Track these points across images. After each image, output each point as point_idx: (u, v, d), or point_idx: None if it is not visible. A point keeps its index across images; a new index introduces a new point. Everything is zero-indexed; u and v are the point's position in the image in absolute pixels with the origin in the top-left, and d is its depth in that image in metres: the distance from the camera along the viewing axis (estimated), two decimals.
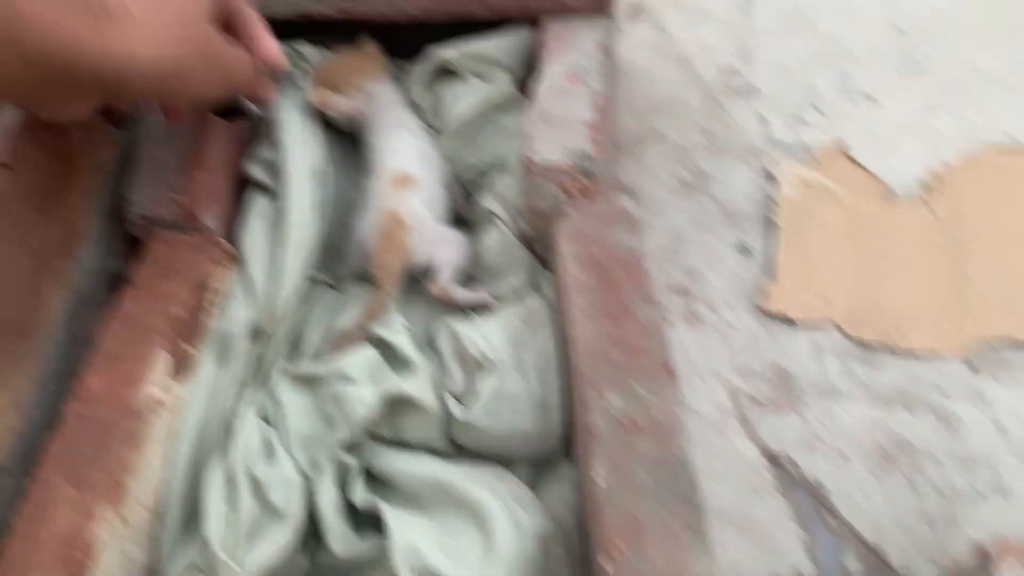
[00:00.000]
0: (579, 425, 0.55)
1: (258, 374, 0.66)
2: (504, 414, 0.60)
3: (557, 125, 0.67)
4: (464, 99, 0.77)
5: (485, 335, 0.62)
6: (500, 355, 0.61)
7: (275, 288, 0.67)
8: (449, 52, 0.77)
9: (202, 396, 0.62)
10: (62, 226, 0.63)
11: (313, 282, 0.72)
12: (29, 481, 0.54)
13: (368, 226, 0.69)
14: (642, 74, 0.95)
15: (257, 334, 0.67)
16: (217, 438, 0.62)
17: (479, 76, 0.77)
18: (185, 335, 0.61)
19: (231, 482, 0.58)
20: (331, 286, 0.74)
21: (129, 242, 0.70)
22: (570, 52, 0.72)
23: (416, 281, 0.71)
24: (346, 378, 0.62)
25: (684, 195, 0.85)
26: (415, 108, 0.79)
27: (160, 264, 0.63)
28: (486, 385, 0.59)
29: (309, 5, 0.75)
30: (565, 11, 0.74)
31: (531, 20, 0.77)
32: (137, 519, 0.55)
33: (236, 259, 0.68)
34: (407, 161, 0.71)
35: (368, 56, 0.78)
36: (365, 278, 0.74)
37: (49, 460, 0.54)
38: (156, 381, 0.57)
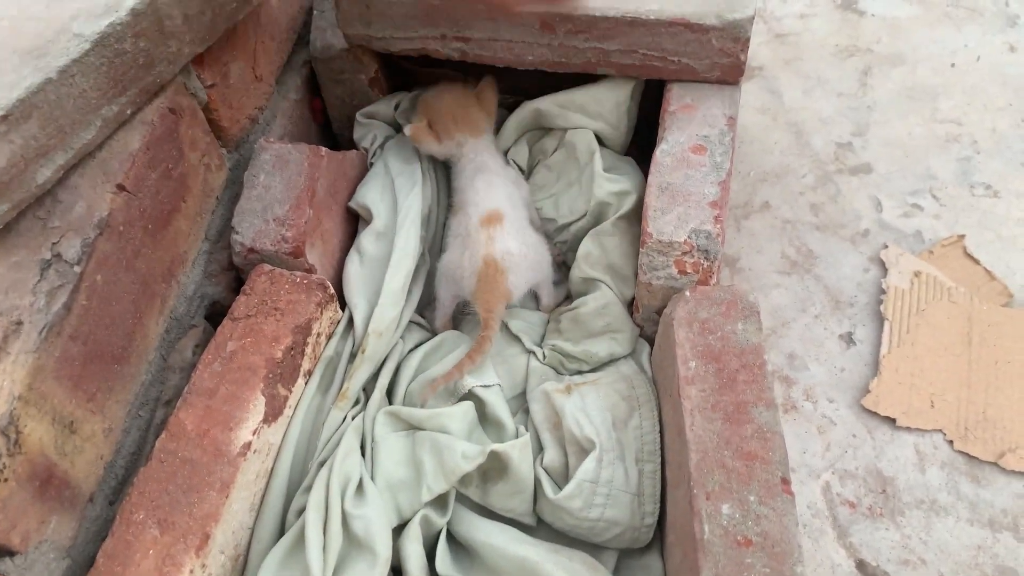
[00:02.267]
0: (685, 529, 0.52)
1: (360, 400, 0.66)
2: (598, 500, 0.57)
3: (680, 199, 0.64)
4: (550, 150, 0.77)
5: (587, 413, 0.60)
6: (601, 437, 0.59)
7: (380, 312, 0.66)
8: (544, 103, 0.76)
9: (302, 420, 0.61)
10: (169, 250, 0.63)
11: (411, 323, 0.72)
12: (115, 515, 0.53)
13: (464, 270, 0.69)
14: (753, 139, 0.92)
15: (354, 354, 0.66)
16: (316, 457, 0.61)
17: (572, 127, 0.76)
18: (283, 378, 0.59)
19: (328, 509, 0.56)
20: (426, 328, 0.73)
21: (228, 269, 0.70)
22: (696, 121, 0.69)
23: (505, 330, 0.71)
24: (445, 429, 0.60)
25: (789, 274, 0.81)
26: (506, 156, 0.79)
27: (263, 301, 0.62)
28: (584, 469, 0.57)
29: (430, 44, 0.73)
30: (693, 77, 0.71)
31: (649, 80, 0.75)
32: (217, 567, 0.54)
33: (335, 298, 0.66)
34: (494, 199, 0.72)
35: (480, 103, 0.77)
36: (455, 322, 0.74)
37: (136, 496, 0.53)
38: (251, 426, 0.56)
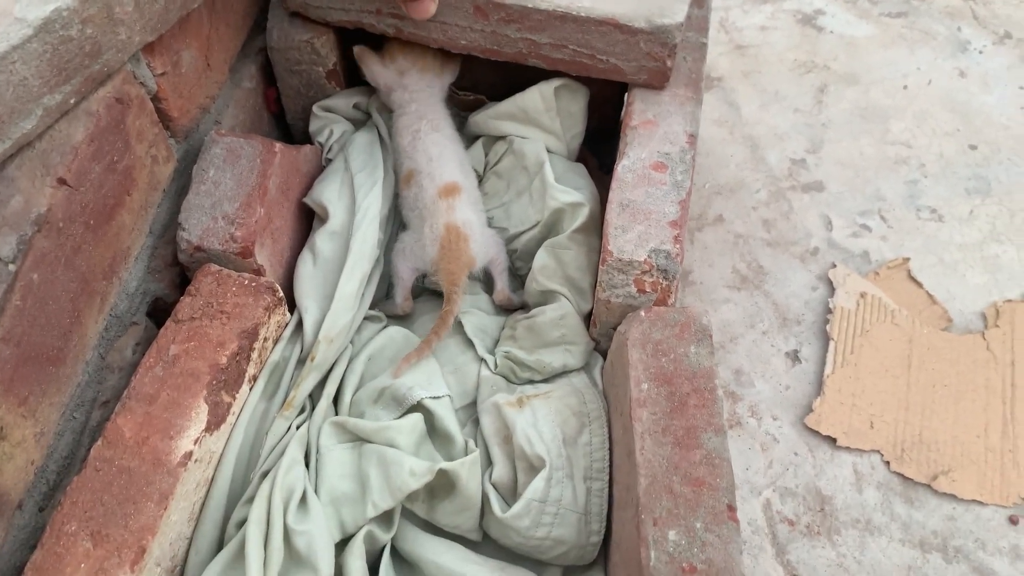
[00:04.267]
0: (631, 554, 0.52)
1: (305, 408, 0.64)
2: (545, 519, 0.57)
3: (640, 217, 0.64)
4: (500, 156, 0.78)
5: (538, 429, 0.60)
6: (551, 455, 0.58)
7: (332, 318, 0.64)
8: (476, 117, 0.78)
9: (245, 428, 0.60)
10: (111, 246, 0.60)
11: (366, 319, 0.70)
12: (46, 524, 0.51)
13: (425, 238, 0.69)
14: (710, 151, 0.93)
15: (302, 360, 0.64)
16: (259, 467, 0.60)
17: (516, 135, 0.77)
18: (227, 385, 0.58)
19: (269, 523, 0.54)
20: (379, 319, 0.72)
21: (172, 264, 0.67)
22: (657, 138, 0.69)
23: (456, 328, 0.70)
24: (393, 443, 0.59)
25: (739, 289, 0.82)
26: None
27: (209, 303, 0.60)
28: (534, 488, 0.57)
29: (365, 18, 0.72)
30: (621, 78, 0.71)
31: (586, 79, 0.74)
32: None
33: (284, 302, 0.64)
34: (449, 170, 0.72)
35: (438, 56, 0.77)
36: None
37: (68, 507, 0.51)
38: (192, 435, 0.54)
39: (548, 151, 0.75)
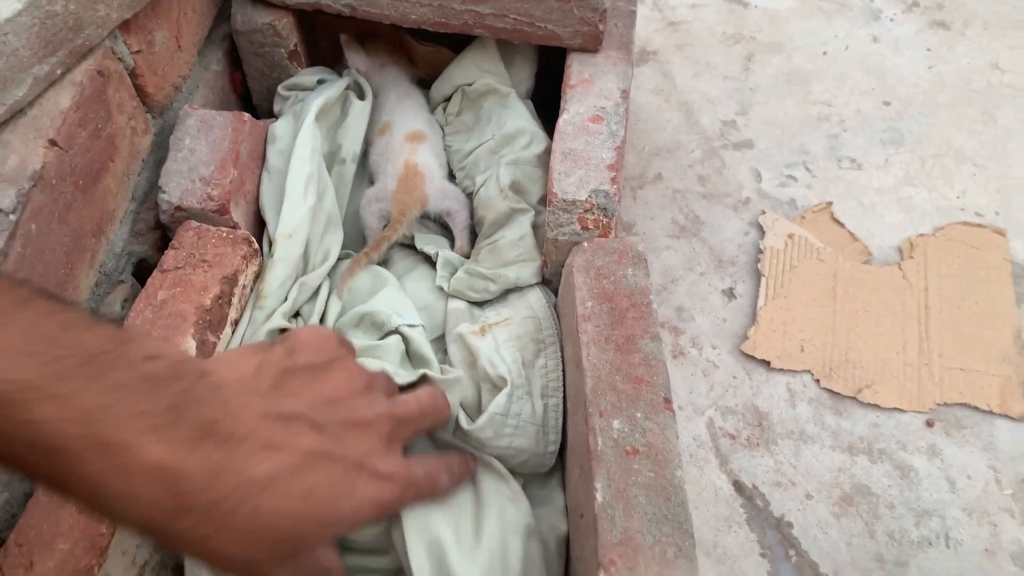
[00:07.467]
0: (581, 446, 0.59)
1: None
2: (507, 431, 0.64)
3: (580, 163, 0.71)
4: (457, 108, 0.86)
5: (500, 354, 0.66)
6: (512, 376, 0.65)
7: (284, 215, 0.70)
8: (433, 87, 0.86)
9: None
10: (98, 207, 0.66)
11: (341, 259, 0.76)
12: None
13: (388, 176, 0.77)
14: (648, 117, 1.00)
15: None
16: None
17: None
18: (212, 325, 0.63)
19: None
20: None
21: (154, 228, 0.73)
22: (594, 94, 0.76)
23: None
24: (380, 359, 0.65)
25: (678, 237, 0.90)
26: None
27: (191, 254, 0.66)
28: (496, 403, 0.63)
29: (323, 0, 0.79)
30: (559, 43, 0.78)
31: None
32: None
33: (260, 253, 0.70)
34: (418, 123, 0.81)
35: (411, 48, 0.87)
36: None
37: None
38: None
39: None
